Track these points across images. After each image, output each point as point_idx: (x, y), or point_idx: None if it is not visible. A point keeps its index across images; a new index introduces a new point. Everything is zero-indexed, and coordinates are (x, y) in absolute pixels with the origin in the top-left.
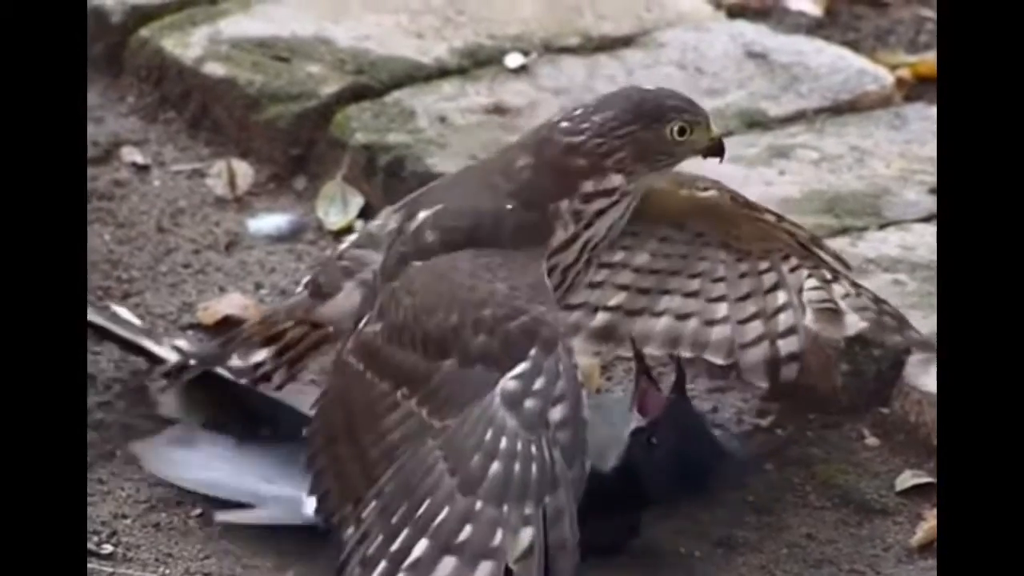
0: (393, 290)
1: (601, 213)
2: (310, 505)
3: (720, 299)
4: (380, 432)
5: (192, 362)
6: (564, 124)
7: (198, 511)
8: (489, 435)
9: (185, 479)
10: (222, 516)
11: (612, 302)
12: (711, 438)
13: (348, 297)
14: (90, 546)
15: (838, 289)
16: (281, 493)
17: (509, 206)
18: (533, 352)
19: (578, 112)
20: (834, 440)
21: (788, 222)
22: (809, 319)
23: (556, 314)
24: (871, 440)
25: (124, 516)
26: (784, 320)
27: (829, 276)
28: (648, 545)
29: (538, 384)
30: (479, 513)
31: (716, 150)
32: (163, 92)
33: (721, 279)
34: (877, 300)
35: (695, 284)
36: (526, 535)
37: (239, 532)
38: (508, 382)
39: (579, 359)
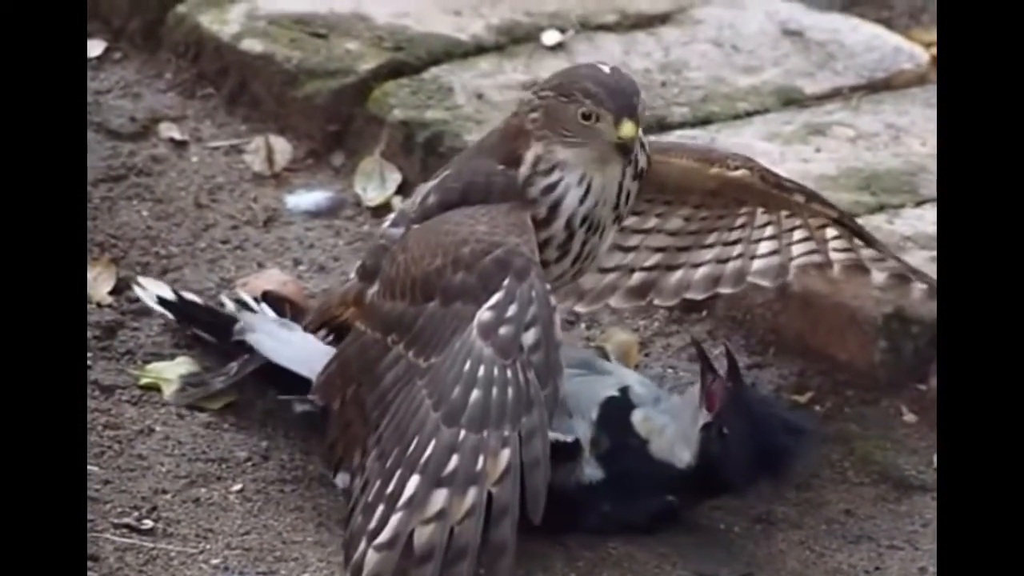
0: (392, 252)
1: (549, 191)
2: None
3: (767, 238)
4: (374, 379)
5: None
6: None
7: (238, 486)
8: (467, 366)
9: (280, 355)
10: (286, 396)
11: (649, 263)
12: (781, 417)
13: None
14: (130, 521)
15: (866, 253)
16: None
17: (500, 167)
18: (506, 282)
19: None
20: (872, 416)
21: (818, 202)
22: (836, 272)
23: (531, 244)
24: (909, 416)
25: (164, 492)
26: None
27: (859, 241)
28: (687, 521)
29: (511, 311)
30: (463, 442)
31: (622, 149)
32: (201, 68)
33: (767, 224)
34: (909, 268)
35: (736, 234)
36: (504, 456)
37: (279, 507)
38: (483, 313)
39: (619, 336)
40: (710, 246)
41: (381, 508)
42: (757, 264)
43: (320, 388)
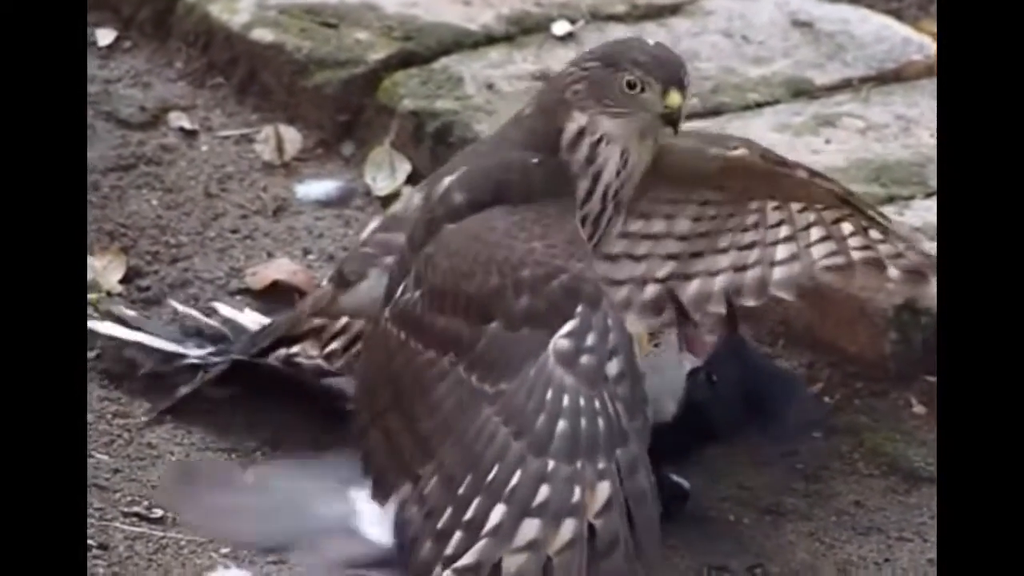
0: (428, 256)
1: (591, 162)
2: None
3: (782, 240)
4: (431, 403)
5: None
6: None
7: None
8: (550, 395)
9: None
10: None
11: (661, 273)
12: (774, 368)
13: (375, 284)
14: (140, 510)
15: (884, 249)
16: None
17: (535, 159)
18: (579, 309)
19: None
20: (882, 408)
21: (820, 177)
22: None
23: (594, 269)
24: (919, 408)
25: None
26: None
27: (876, 235)
28: (696, 512)
29: (590, 340)
30: (553, 472)
31: (669, 119)
32: (211, 58)
33: (780, 223)
34: (918, 250)
35: (750, 236)
36: (603, 489)
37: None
38: (560, 341)
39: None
40: (724, 251)
41: (460, 534)
42: (778, 272)
43: (361, 418)
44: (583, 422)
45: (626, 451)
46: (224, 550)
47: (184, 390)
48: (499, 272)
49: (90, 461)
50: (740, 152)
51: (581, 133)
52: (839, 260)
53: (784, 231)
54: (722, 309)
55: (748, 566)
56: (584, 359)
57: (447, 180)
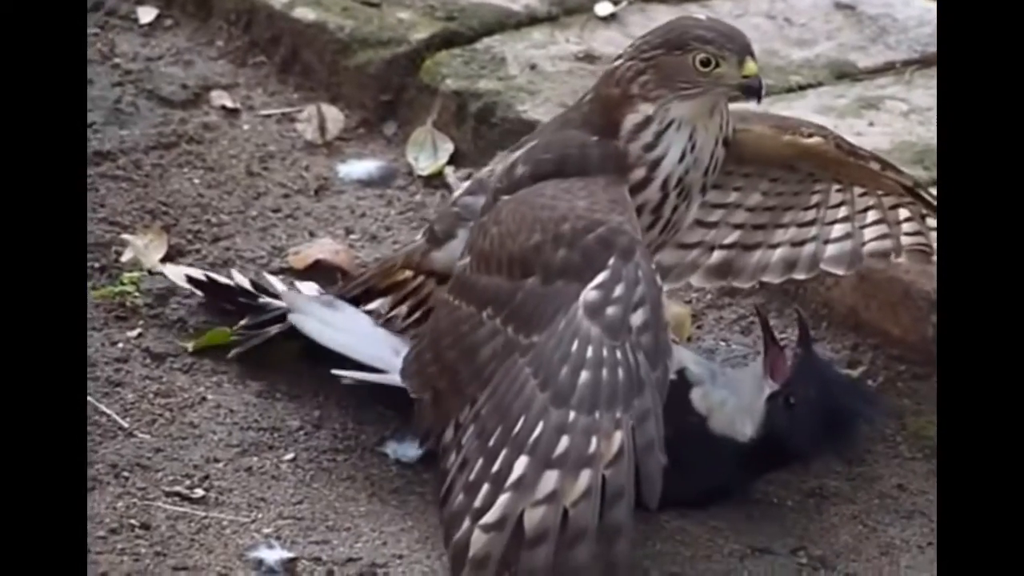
0: (482, 224)
1: (651, 148)
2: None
3: (840, 220)
4: (467, 350)
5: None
6: (617, 58)
7: (290, 455)
8: (575, 346)
9: (324, 337)
10: (339, 372)
11: (728, 240)
12: (846, 382)
13: (462, 244)
14: (182, 490)
15: (906, 227)
16: None
17: (594, 138)
18: (612, 261)
19: (630, 44)
20: (925, 391)
21: (892, 169)
22: (904, 257)
23: (634, 223)
24: None
25: (216, 460)
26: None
27: (932, 223)
28: (739, 496)
29: (618, 291)
30: (573, 423)
31: (749, 89)
32: (252, 36)
33: (840, 204)
34: None
35: (811, 214)
36: (617, 438)
37: (331, 476)
38: (589, 292)
39: (672, 307)
40: (785, 226)
41: (487, 487)
42: (831, 249)
43: (410, 369)
44: (604, 373)
45: (641, 400)
46: (266, 530)
47: (257, 339)
48: (542, 229)
49: (132, 441)
50: (815, 140)
51: (646, 123)
52: (888, 244)
53: (843, 211)
54: (777, 280)
55: (791, 549)
56: (610, 310)
57: (516, 154)
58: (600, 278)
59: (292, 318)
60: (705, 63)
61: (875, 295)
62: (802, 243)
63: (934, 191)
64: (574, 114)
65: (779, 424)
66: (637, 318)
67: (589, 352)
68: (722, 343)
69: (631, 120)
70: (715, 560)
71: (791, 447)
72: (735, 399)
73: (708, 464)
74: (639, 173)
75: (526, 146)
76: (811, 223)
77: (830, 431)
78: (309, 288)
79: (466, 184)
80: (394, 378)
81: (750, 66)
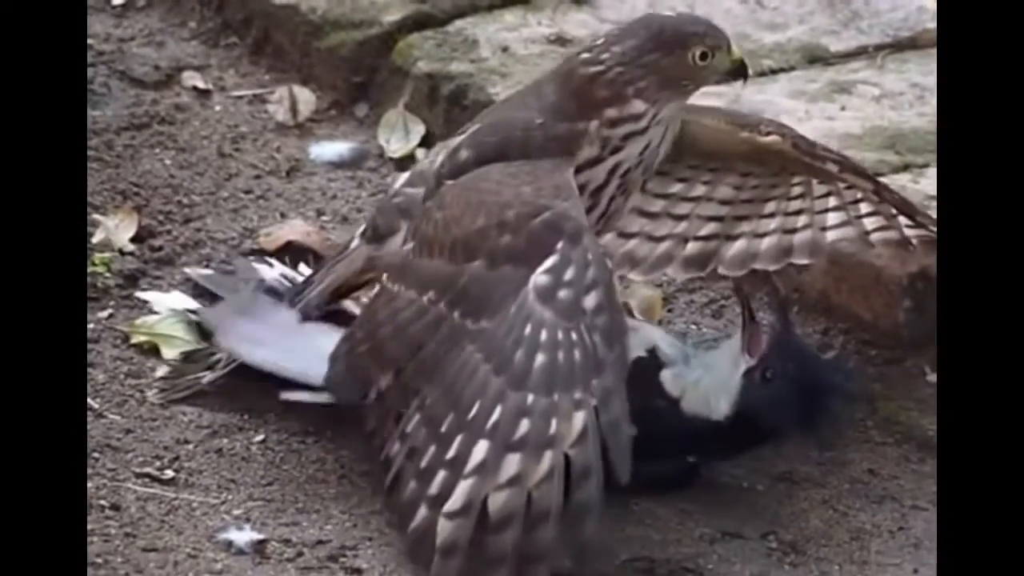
0: (426, 208)
1: (629, 137)
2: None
3: (832, 209)
4: (409, 338)
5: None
6: (585, 56)
7: (260, 437)
8: (528, 330)
9: (254, 357)
10: (287, 395)
11: (703, 232)
12: (823, 359)
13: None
14: (152, 471)
15: (902, 220)
16: None
17: (539, 120)
18: (560, 245)
19: (599, 43)
20: (896, 376)
21: (850, 170)
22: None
23: (579, 207)
24: (932, 377)
25: (186, 441)
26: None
27: (893, 211)
28: (710, 479)
29: (568, 274)
30: (532, 405)
31: (739, 72)
32: (225, 17)
33: (828, 194)
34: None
35: (796, 204)
36: (579, 419)
37: (301, 458)
38: (539, 277)
39: (643, 291)
40: (771, 215)
41: (443, 474)
42: (832, 235)
43: (341, 373)
44: (560, 355)
45: (601, 381)
46: (236, 512)
47: (209, 377)
48: (486, 214)
49: (102, 422)
50: (771, 139)
51: (637, 117)
52: (891, 235)
53: (833, 201)
54: (768, 267)
55: (762, 533)
56: (562, 293)
57: (459, 139)
58: (549, 262)
59: (215, 340)
60: (703, 56)
61: (846, 279)
62: (794, 231)
63: (903, 177)
64: (531, 100)
65: (755, 398)
66: (590, 300)
67: (543, 335)
68: (693, 326)
69: (621, 110)
70: (685, 544)
71: (767, 422)
72: (710, 377)
73: (678, 447)
74: (591, 151)
75: (469, 131)
76: (799, 212)
77: (806, 405)
78: (269, 271)
79: (405, 176)
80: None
81: (737, 50)
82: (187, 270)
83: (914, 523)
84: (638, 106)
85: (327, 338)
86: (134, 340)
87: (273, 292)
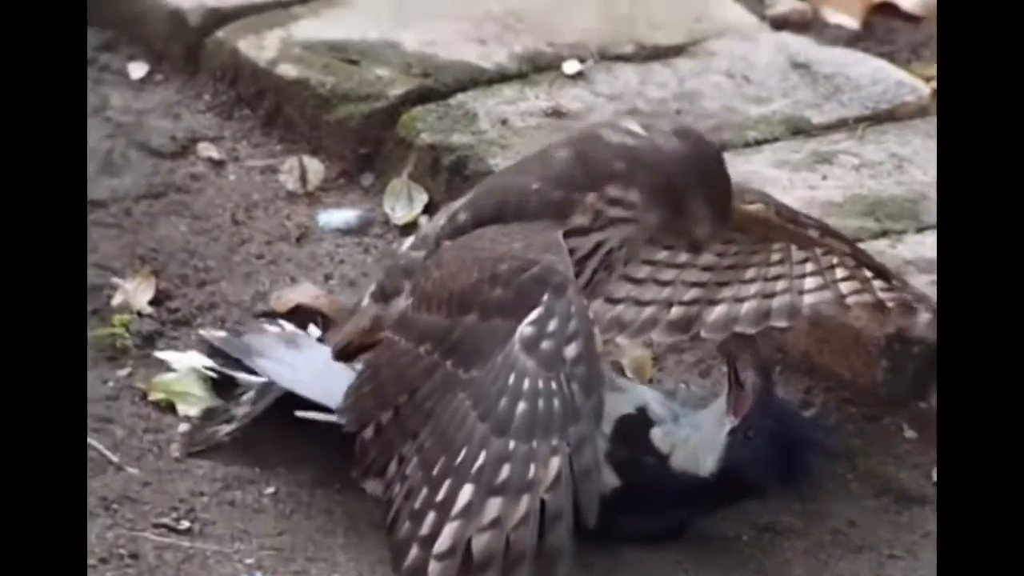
0: (425, 267)
1: (617, 222)
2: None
3: (810, 274)
4: (407, 386)
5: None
6: (622, 124)
7: (271, 489)
8: (512, 379)
9: (296, 386)
10: (302, 413)
11: (687, 297)
12: (803, 418)
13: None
14: (168, 522)
15: (877, 284)
16: None
17: (535, 186)
18: (545, 297)
19: (641, 121)
20: (875, 432)
21: (830, 236)
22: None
23: (567, 262)
24: (909, 433)
25: (201, 493)
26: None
27: (869, 275)
28: (698, 531)
29: (551, 326)
30: (513, 452)
31: (694, 248)
32: (238, 91)
33: (805, 260)
34: (917, 296)
35: (776, 270)
36: (554, 464)
37: (311, 509)
38: (525, 328)
39: (633, 351)
40: (751, 281)
41: (433, 515)
42: (808, 299)
43: (349, 405)
44: (540, 403)
45: (577, 428)
46: (249, 560)
47: (223, 432)
48: (479, 269)
49: (121, 474)
50: (756, 207)
51: (627, 205)
52: (868, 298)
53: (810, 267)
54: (748, 330)
55: None
56: (544, 343)
57: (460, 202)
58: (534, 314)
59: (254, 361)
60: (694, 212)
61: (827, 340)
62: (773, 295)
63: (882, 243)
64: (536, 168)
65: (739, 456)
66: (571, 351)
67: (526, 384)
68: (681, 385)
69: (623, 193)
70: None
71: (750, 478)
72: (697, 436)
73: (666, 502)
74: (582, 220)
75: (468, 195)
76: (779, 277)
77: (787, 461)
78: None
79: (410, 240)
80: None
81: (705, 233)
82: (202, 332)
83: (892, 571)
84: (634, 196)
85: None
86: (152, 397)
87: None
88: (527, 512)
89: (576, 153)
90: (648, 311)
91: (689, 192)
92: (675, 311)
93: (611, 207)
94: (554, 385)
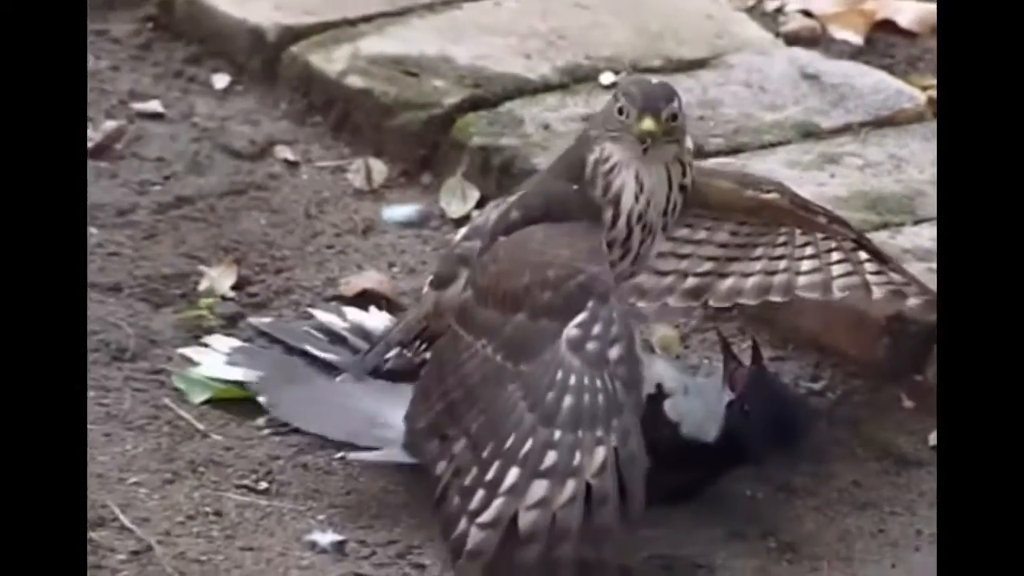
0: (482, 262)
1: (606, 191)
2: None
3: (808, 257)
4: (461, 373)
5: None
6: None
7: (340, 454)
8: (560, 375)
9: (310, 425)
10: (354, 456)
11: (701, 269)
12: (794, 398)
13: (463, 283)
14: (248, 483)
15: (868, 267)
16: (398, 436)
17: (575, 187)
18: (590, 304)
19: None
20: (877, 402)
21: (838, 224)
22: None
23: (609, 272)
24: (908, 403)
25: (277, 458)
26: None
27: (863, 257)
28: (718, 488)
29: (596, 330)
30: (559, 441)
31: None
32: (311, 100)
33: (806, 244)
34: (911, 278)
35: (779, 251)
36: (600, 453)
37: (375, 472)
38: (571, 330)
39: (662, 331)
40: (757, 258)
41: (481, 492)
42: (802, 280)
43: (416, 421)
44: (586, 397)
45: (621, 421)
46: (320, 517)
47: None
48: (531, 271)
49: (206, 440)
50: (773, 195)
51: (597, 162)
52: (855, 280)
53: (809, 251)
54: (750, 302)
55: (762, 534)
56: (590, 345)
57: (510, 200)
58: (580, 318)
59: (260, 400)
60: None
61: (835, 321)
62: (774, 273)
63: (882, 234)
64: (558, 165)
65: (737, 427)
66: (614, 352)
67: (572, 380)
68: (705, 360)
69: (589, 161)
70: (697, 543)
71: (748, 447)
72: (703, 406)
73: (681, 462)
74: (608, 213)
75: (518, 193)
76: (781, 257)
77: (778, 436)
78: (380, 320)
79: (463, 231)
80: (391, 453)
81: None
82: (251, 320)
83: (892, 526)
84: (596, 149)
85: (373, 401)
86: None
87: (341, 341)
88: (573, 495)
89: (576, 143)
90: (667, 280)
91: (611, 100)
92: (690, 281)
93: (597, 174)
94: (598, 382)
